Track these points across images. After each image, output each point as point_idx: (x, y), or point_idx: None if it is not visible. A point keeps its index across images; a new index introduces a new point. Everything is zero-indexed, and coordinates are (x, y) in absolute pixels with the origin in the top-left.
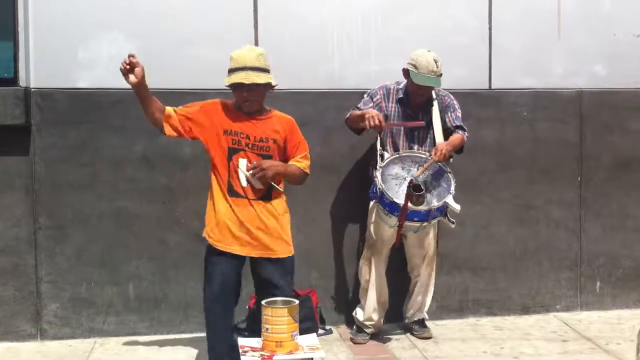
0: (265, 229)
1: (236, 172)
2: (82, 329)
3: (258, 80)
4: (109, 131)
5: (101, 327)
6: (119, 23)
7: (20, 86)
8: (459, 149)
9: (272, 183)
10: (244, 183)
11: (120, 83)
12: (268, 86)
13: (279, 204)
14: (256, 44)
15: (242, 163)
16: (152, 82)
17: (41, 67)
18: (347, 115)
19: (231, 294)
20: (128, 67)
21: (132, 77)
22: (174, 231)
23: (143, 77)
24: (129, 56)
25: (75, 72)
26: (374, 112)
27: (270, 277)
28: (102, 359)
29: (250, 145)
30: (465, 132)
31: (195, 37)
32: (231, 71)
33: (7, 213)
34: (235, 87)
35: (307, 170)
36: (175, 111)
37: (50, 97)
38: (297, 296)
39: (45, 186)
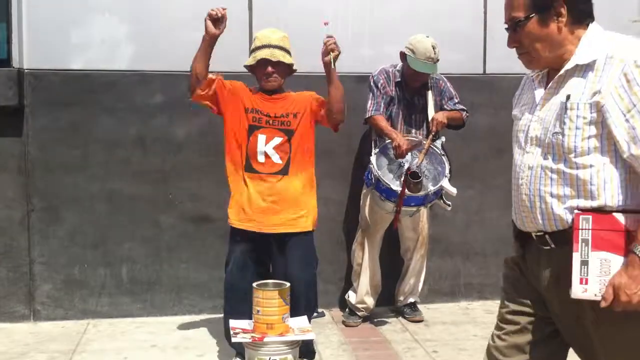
0: (278, 202)
1: (254, 149)
2: (75, 311)
3: (283, 59)
4: (102, 113)
5: (94, 308)
6: (112, 5)
7: (13, 67)
8: (459, 125)
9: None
10: (262, 159)
11: (114, 65)
12: (290, 68)
13: (297, 179)
14: (250, 26)
15: (261, 139)
16: (145, 65)
17: (34, 49)
18: (369, 116)
19: (247, 273)
20: (219, 16)
21: (215, 30)
22: (167, 213)
23: (222, 31)
24: (223, 8)
25: (68, 53)
26: (402, 140)
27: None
28: (95, 340)
29: (270, 122)
30: (465, 112)
31: (188, 19)
32: (255, 50)
33: (0, 194)
34: (259, 64)
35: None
36: (217, 76)
37: (43, 78)
38: None
39: (38, 168)
